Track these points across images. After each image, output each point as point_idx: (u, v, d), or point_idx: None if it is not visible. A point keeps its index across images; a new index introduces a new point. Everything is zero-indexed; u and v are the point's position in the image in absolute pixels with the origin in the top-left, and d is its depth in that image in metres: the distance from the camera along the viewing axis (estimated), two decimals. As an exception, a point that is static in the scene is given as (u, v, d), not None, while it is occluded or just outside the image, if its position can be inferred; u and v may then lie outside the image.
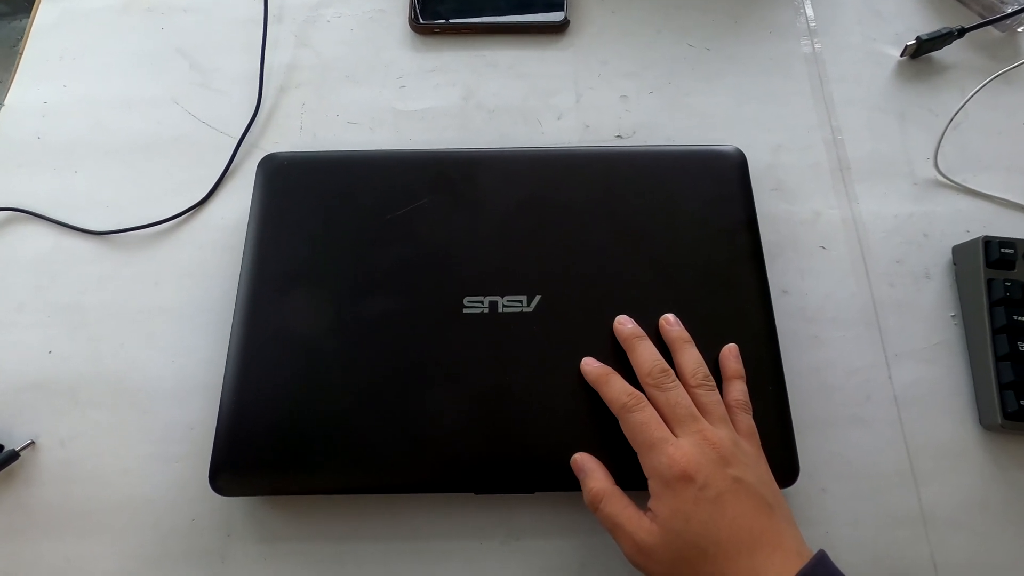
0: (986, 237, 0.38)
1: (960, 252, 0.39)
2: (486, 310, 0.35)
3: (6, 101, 0.46)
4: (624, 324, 0.34)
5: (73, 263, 0.41)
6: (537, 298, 0.36)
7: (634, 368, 0.33)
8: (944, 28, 0.45)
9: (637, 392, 0.32)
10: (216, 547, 0.34)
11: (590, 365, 0.34)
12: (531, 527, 0.34)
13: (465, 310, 0.36)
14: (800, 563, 0.27)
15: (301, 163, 0.40)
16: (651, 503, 0.30)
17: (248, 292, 0.37)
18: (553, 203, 0.38)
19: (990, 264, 0.37)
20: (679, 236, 0.37)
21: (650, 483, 0.30)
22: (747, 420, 0.32)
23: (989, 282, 0.37)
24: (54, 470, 0.36)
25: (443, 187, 0.39)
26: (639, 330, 0.34)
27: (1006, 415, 0.34)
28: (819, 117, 0.45)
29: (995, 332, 0.36)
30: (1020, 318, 0.35)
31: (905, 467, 0.35)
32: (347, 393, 0.34)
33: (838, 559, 0.33)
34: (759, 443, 0.32)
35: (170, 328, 0.39)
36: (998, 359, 0.35)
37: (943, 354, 0.38)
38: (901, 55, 0.46)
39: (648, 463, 0.30)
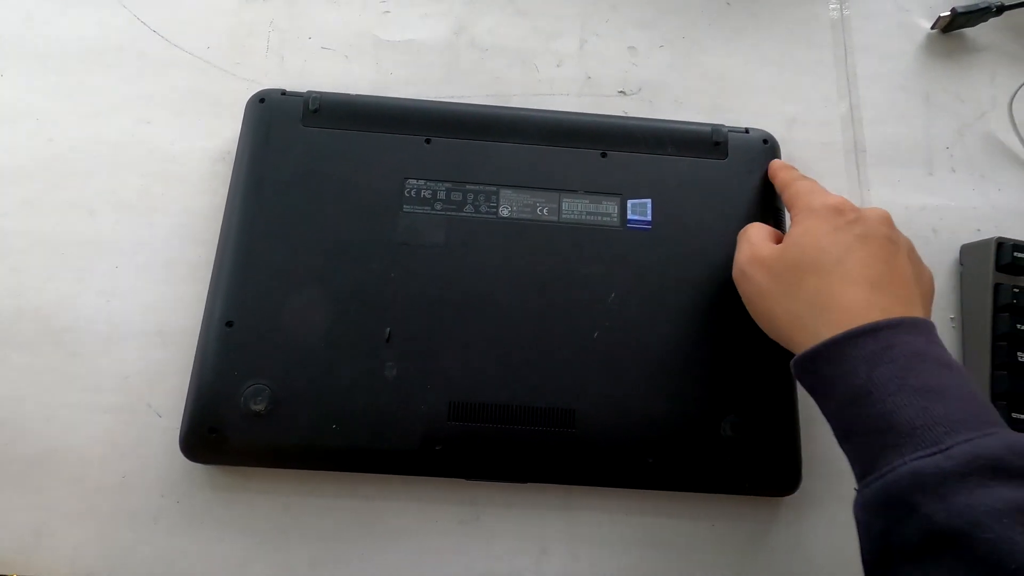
0: (1000, 238, 0.35)
1: (968, 252, 0.37)
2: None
3: (-80, -17, 0.40)
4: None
5: (-5, 181, 0.36)
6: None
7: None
8: (983, 2, 0.42)
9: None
10: (149, 507, 0.31)
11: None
12: (492, 508, 0.32)
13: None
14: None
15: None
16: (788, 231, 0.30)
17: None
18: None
19: (1000, 267, 0.35)
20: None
21: (796, 216, 0.30)
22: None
23: (996, 286, 0.35)
24: (-33, 413, 0.32)
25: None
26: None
27: (995, 427, 0.33)
28: (839, 91, 0.42)
29: (996, 339, 0.34)
30: (1024, 327, 0.33)
31: (884, 471, 0.34)
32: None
33: (809, 560, 0.32)
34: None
35: (105, 265, 0.35)
36: (995, 368, 0.34)
37: (937, 357, 0.36)
38: (932, 27, 0.43)
39: (803, 203, 0.30)
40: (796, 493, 0.32)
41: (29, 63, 0.38)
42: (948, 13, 0.41)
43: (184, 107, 0.38)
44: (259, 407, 0.30)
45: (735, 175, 0.36)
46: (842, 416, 0.26)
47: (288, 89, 0.37)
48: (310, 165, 0.34)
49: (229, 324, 0.32)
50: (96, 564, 0.31)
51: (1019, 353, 0.33)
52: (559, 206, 0.35)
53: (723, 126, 0.37)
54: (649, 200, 0.35)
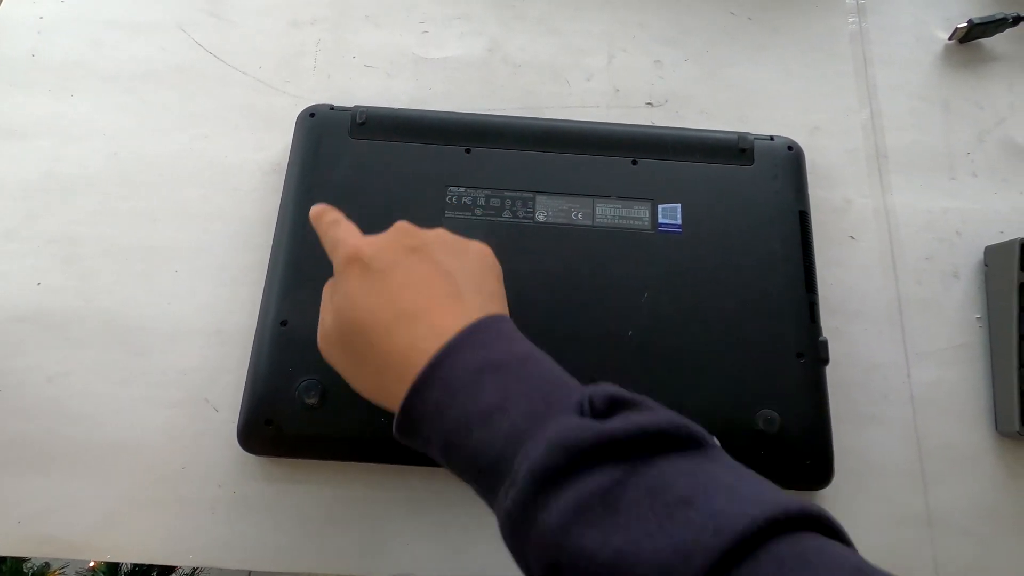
0: (1023, 239, 0.36)
1: (993, 253, 0.38)
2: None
3: (-1, 13, 0.43)
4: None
5: (67, 192, 0.39)
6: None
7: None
8: (999, 13, 0.43)
9: (348, 221, 0.30)
10: (206, 496, 0.33)
11: (317, 206, 0.31)
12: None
13: None
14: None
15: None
16: None
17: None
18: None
19: (1025, 267, 0.36)
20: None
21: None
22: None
23: (1022, 286, 0.36)
24: (41, 406, 0.34)
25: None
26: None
27: (1025, 423, 0.33)
28: (860, 101, 0.43)
29: (1022, 337, 0.35)
30: (1051, 325, 0.34)
31: (916, 468, 0.35)
32: None
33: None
34: (493, 264, 0.29)
35: (166, 269, 0.37)
36: (1023, 365, 0.34)
37: (965, 357, 0.37)
38: (950, 38, 0.44)
39: (333, 264, 0.28)
40: (829, 487, 0.33)
41: (97, 84, 0.41)
42: (965, 24, 0.43)
43: (238, 122, 0.41)
44: (312, 400, 0.32)
45: (761, 180, 0.37)
46: (451, 467, 0.24)
47: (335, 104, 0.39)
48: (357, 174, 0.37)
49: (283, 323, 0.34)
50: (158, 550, 0.32)
51: (1047, 351, 0.34)
52: (593, 211, 0.36)
53: (749, 134, 0.38)
54: (679, 205, 0.36)
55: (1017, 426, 0.34)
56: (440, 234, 0.28)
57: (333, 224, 0.30)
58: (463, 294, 0.26)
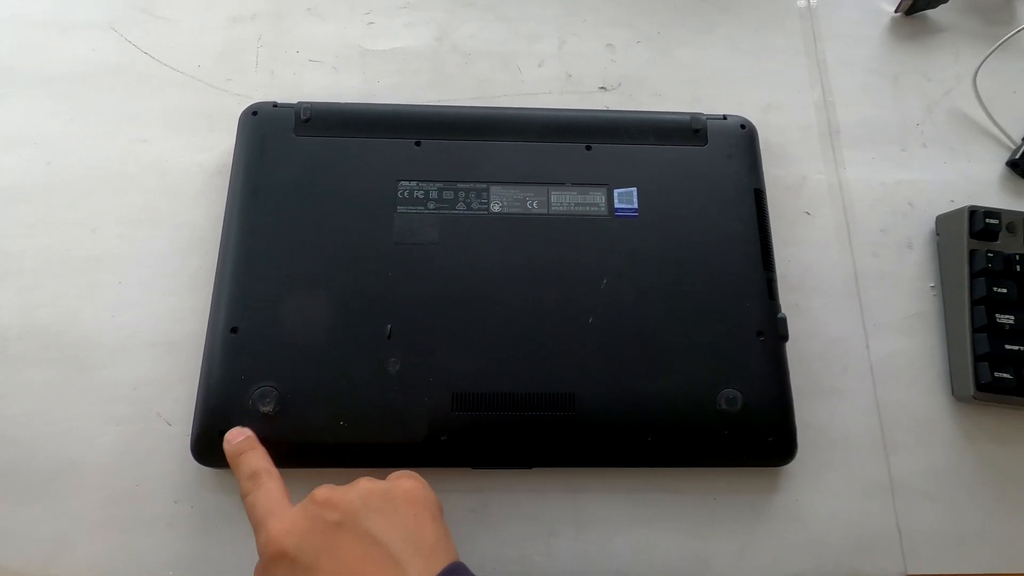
0: (971, 207, 0.37)
1: (944, 222, 0.39)
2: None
3: (-85, 18, 0.41)
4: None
5: (0, 204, 0.37)
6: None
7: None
8: (942, -16, 0.43)
9: (269, 468, 0.28)
10: (163, 513, 0.32)
11: (232, 438, 0.29)
12: (499, 494, 0.33)
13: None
14: None
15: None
16: None
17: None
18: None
19: (974, 234, 0.36)
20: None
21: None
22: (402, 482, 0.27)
23: (972, 253, 0.36)
24: (-19, 431, 0.33)
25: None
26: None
27: (979, 387, 0.34)
28: (811, 77, 0.43)
29: (974, 303, 0.35)
30: (1000, 290, 0.35)
31: (877, 438, 0.35)
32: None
33: (807, 528, 0.33)
34: (426, 501, 0.27)
35: (110, 279, 0.36)
36: (975, 330, 0.35)
37: (920, 325, 0.37)
38: (896, 10, 0.44)
39: (255, 537, 0.26)
40: (792, 462, 0.33)
41: (26, 90, 0.39)
42: (909, -4, 0.43)
43: (179, 124, 0.39)
44: (267, 408, 0.31)
45: (715, 160, 0.37)
46: None
47: (279, 101, 0.38)
48: (304, 173, 0.36)
49: (234, 330, 0.33)
50: (115, 571, 0.31)
51: (997, 315, 0.34)
52: (548, 199, 0.36)
53: (702, 114, 0.38)
54: (635, 189, 0.36)
55: (972, 390, 0.34)
56: (363, 492, 0.26)
57: (253, 481, 0.27)
58: (402, 563, 0.24)
